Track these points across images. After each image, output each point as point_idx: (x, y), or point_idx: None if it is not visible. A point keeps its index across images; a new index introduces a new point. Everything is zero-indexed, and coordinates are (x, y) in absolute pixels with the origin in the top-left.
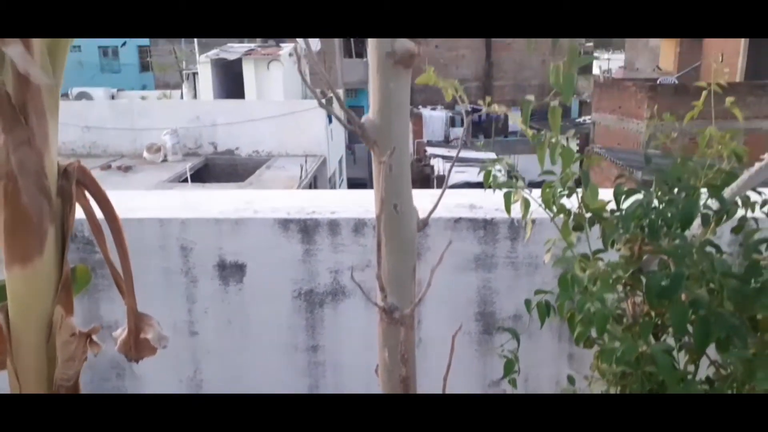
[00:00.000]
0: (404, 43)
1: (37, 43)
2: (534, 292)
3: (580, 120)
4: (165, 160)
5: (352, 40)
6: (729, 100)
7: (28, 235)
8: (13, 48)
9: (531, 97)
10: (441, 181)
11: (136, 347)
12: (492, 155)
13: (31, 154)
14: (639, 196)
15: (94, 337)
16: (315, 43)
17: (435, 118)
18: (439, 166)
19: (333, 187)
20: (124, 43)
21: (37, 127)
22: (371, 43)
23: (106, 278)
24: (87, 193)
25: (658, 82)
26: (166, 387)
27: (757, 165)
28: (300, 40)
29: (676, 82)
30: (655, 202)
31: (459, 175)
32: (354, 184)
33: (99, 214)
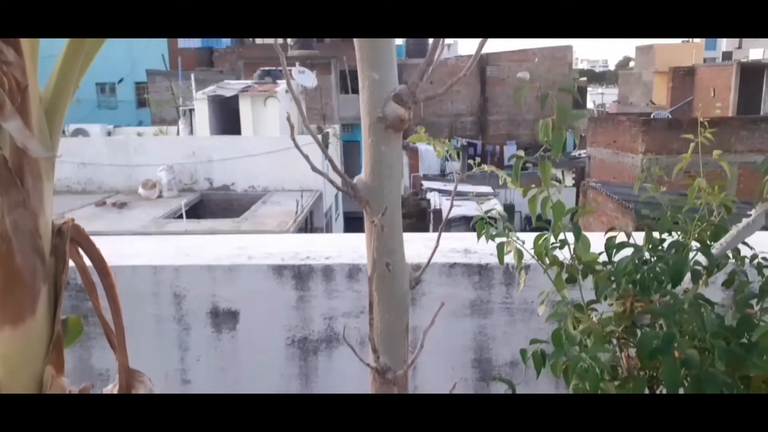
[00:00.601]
0: (395, 109)
1: (35, 112)
2: (529, 341)
3: (576, 154)
4: (160, 196)
5: (348, 77)
6: (716, 153)
7: (20, 295)
8: (12, 123)
9: (521, 152)
10: (437, 215)
11: None
12: (488, 189)
13: (26, 215)
14: (629, 251)
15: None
16: (312, 80)
17: (431, 152)
18: (435, 200)
19: (329, 221)
20: (121, 80)
21: (33, 188)
22: (363, 108)
23: (98, 326)
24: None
25: (651, 116)
26: None
27: (745, 221)
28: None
29: (670, 116)
30: (647, 255)
31: (455, 209)
32: (350, 218)
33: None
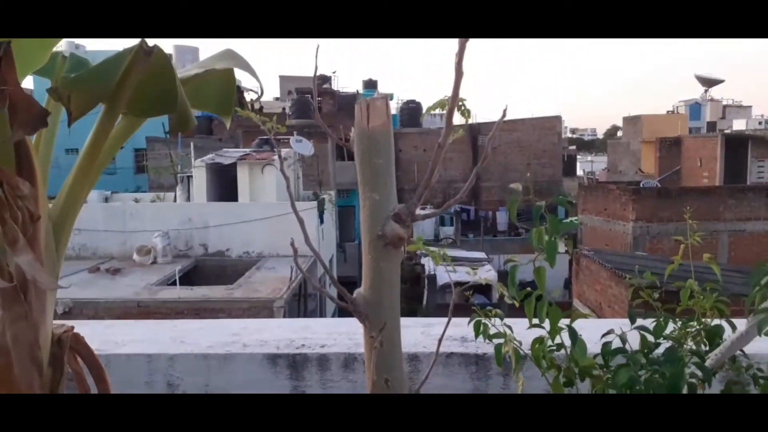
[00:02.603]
0: (394, 228)
1: (44, 240)
2: None
3: (567, 220)
4: (155, 262)
5: (344, 149)
6: (706, 256)
7: None
8: (23, 258)
9: (516, 258)
10: (431, 281)
11: None
12: (482, 254)
13: (27, 328)
14: (623, 358)
15: None
16: (309, 148)
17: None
18: (429, 266)
19: (323, 287)
20: (121, 147)
21: (36, 301)
22: (363, 226)
23: None
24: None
25: (641, 185)
26: None
27: (738, 332)
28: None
29: (659, 185)
30: (643, 360)
31: (450, 274)
32: (344, 282)
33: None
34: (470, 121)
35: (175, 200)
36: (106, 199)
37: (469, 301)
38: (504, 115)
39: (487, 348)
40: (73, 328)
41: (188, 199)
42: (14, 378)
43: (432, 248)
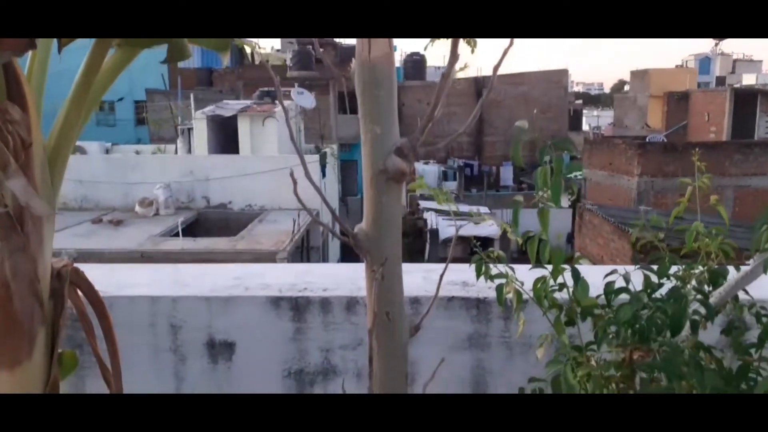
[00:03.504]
0: (396, 162)
1: (38, 167)
2: (528, 379)
3: (571, 175)
4: (157, 214)
5: (346, 98)
6: (713, 198)
7: (17, 339)
8: (16, 182)
9: (520, 197)
10: (433, 235)
11: None
12: (485, 209)
13: (26, 260)
14: (626, 297)
15: None
16: (310, 101)
17: (428, 172)
18: (431, 220)
19: (326, 240)
20: (120, 99)
21: (33, 233)
22: (365, 160)
23: (93, 356)
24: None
25: (647, 139)
26: None
27: (743, 269)
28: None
29: (665, 140)
30: (645, 300)
31: (451, 228)
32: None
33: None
34: (476, 75)
35: (176, 152)
36: (107, 151)
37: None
38: (506, 52)
39: (488, 293)
40: (73, 262)
41: (189, 151)
42: (15, 311)
43: (434, 188)
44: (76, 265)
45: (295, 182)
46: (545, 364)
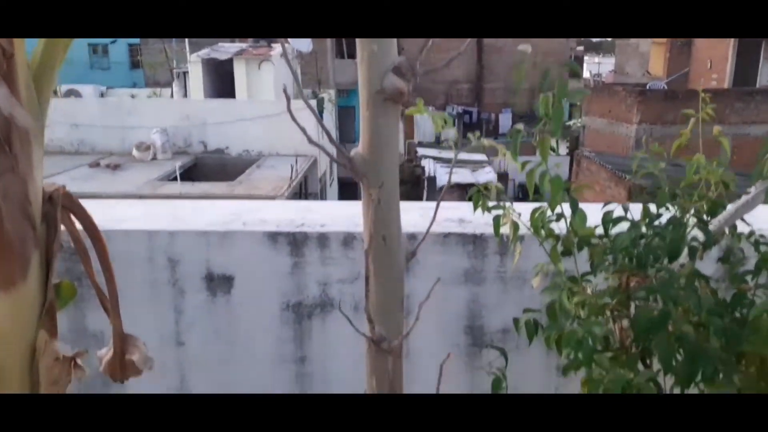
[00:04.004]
0: (394, 81)
1: (22, 79)
2: (522, 310)
3: (570, 123)
4: (154, 158)
5: (344, 40)
6: (716, 129)
7: (11, 261)
8: None
9: (520, 126)
10: (431, 183)
11: (122, 368)
12: (483, 156)
13: (15, 181)
14: (626, 224)
15: (79, 361)
16: (307, 44)
17: (426, 119)
18: (429, 167)
19: (324, 186)
20: (114, 41)
21: (22, 153)
22: (361, 80)
23: (92, 288)
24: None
25: (647, 87)
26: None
27: (744, 198)
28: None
29: (666, 87)
30: (644, 230)
31: (451, 176)
32: (345, 183)
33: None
34: None
35: (172, 96)
36: (102, 95)
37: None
38: None
39: (485, 229)
40: (64, 186)
41: (185, 95)
42: (6, 232)
43: (430, 111)
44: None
45: (304, 131)
46: (540, 292)
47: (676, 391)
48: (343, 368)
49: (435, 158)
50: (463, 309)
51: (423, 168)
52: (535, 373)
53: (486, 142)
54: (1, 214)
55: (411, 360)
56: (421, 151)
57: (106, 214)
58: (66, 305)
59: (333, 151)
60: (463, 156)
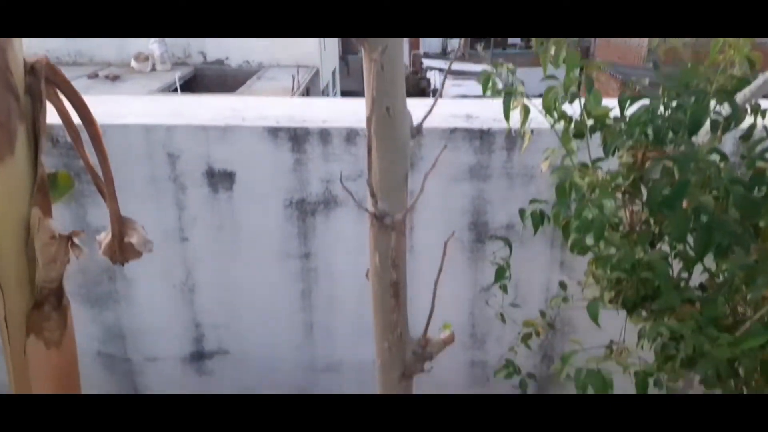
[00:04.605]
0: None
1: None
2: (529, 201)
3: None
4: (153, 69)
5: None
6: None
7: None
8: None
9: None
10: (437, 95)
11: (121, 251)
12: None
13: None
14: (645, 101)
15: (77, 240)
16: None
17: None
18: (435, 79)
19: (326, 95)
20: None
21: None
22: None
23: (92, 184)
24: (61, 96)
25: None
26: (158, 291)
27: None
28: None
29: None
30: (662, 109)
31: (456, 89)
32: (348, 95)
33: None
34: None
35: None
36: None
37: None
38: None
39: (492, 124)
40: (46, 57)
41: None
42: None
43: None
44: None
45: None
46: (551, 173)
47: (683, 269)
48: (347, 263)
49: (441, 70)
50: (467, 205)
51: (428, 81)
52: (538, 267)
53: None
54: None
55: (414, 255)
56: (426, 62)
57: (103, 109)
58: (64, 195)
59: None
60: (471, 67)
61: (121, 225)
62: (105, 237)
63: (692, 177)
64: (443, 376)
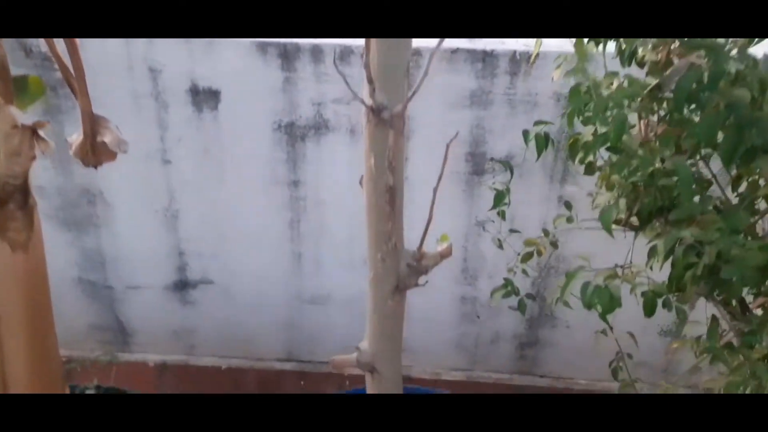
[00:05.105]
0: None
1: None
2: (533, 123)
3: None
4: None
5: None
6: None
7: None
8: None
9: None
10: None
11: (93, 152)
12: None
13: None
14: None
15: (42, 133)
16: None
17: None
18: None
19: None
20: None
21: None
22: None
23: (70, 99)
24: None
25: None
26: (140, 217)
27: None
28: None
29: None
30: None
31: None
32: None
33: None
34: None
35: None
36: None
37: None
38: None
39: (495, 44)
40: None
41: None
42: None
43: None
44: None
45: None
46: (563, 75)
47: (710, 175)
48: (338, 193)
49: None
50: (465, 135)
51: None
52: (536, 201)
53: None
54: None
55: (408, 185)
56: None
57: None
58: (34, 101)
59: None
60: None
61: (93, 123)
62: (77, 138)
63: (726, 67)
64: (432, 313)
